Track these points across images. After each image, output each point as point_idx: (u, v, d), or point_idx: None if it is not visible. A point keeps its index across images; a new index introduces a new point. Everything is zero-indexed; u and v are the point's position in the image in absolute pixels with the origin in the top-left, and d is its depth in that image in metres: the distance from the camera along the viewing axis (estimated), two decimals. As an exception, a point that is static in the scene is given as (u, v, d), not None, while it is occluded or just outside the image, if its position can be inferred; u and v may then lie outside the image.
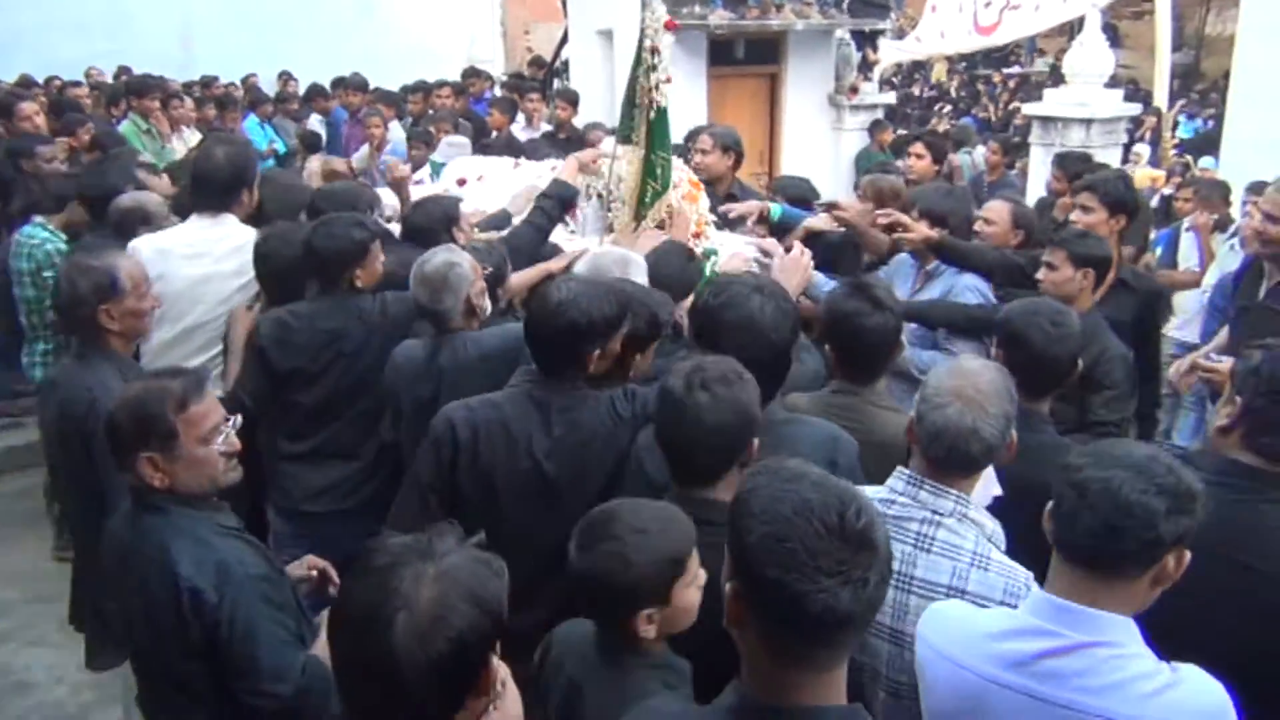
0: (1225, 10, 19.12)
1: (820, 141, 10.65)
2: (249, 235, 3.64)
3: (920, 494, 2.12)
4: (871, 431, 2.62)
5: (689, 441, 2.12)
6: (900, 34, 13.42)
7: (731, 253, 4.10)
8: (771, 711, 1.39)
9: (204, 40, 14.19)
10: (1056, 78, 8.87)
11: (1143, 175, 9.41)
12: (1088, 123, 8.05)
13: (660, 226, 4.08)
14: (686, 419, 2.09)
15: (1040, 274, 3.55)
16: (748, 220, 4.62)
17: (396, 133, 8.29)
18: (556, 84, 11.84)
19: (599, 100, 9.85)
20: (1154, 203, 7.97)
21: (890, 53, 11.63)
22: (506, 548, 1.54)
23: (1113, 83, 8.62)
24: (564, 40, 12.70)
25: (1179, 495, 1.64)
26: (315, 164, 6.64)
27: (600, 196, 4.41)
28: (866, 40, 10.96)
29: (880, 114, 10.90)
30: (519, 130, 8.60)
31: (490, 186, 4.96)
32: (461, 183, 5.08)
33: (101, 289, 2.94)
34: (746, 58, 10.33)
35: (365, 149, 8.18)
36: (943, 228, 4.08)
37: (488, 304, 3.25)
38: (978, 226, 4.18)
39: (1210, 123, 14.90)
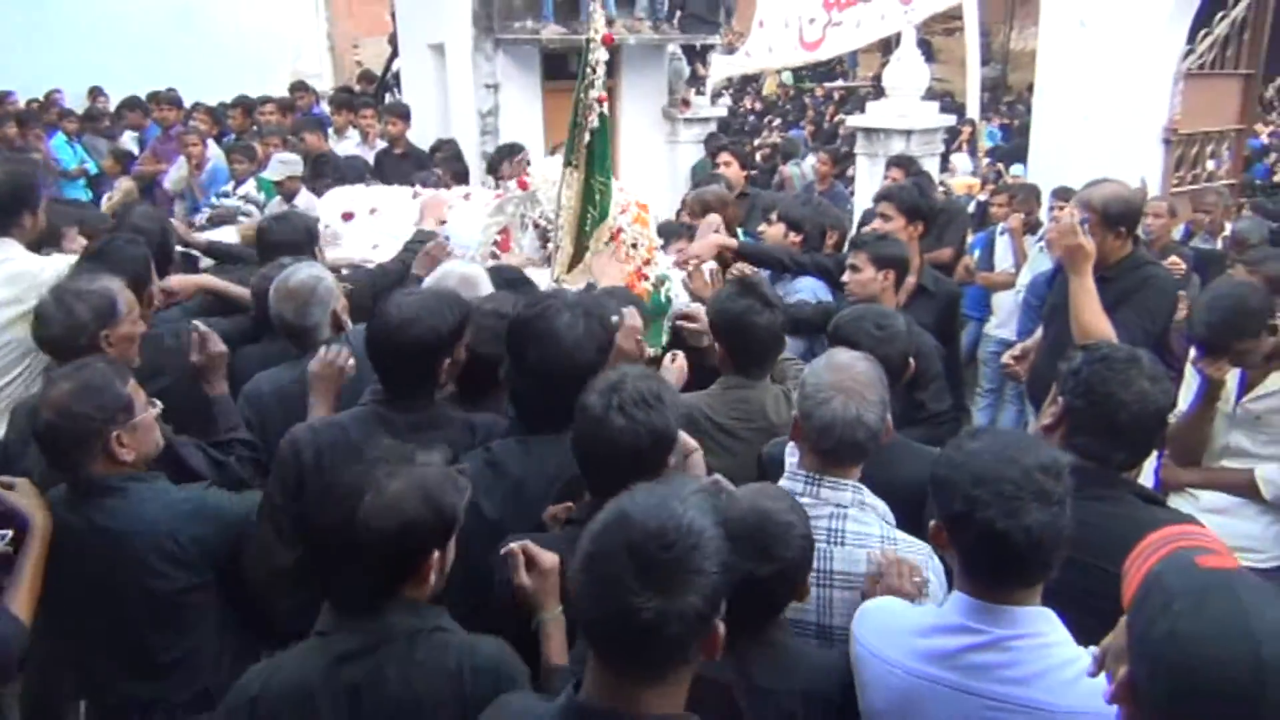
0: (1026, 28, 20.41)
1: (656, 154, 10.79)
2: (31, 262, 3.29)
3: (821, 491, 2.21)
4: (770, 421, 2.89)
5: (603, 459, 2.11)
6: (731, 49, 13.74)
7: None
8: (609, 715, 1.43)
9: (2, 53, 13.25)
10: (878, 91, 9.24)
11: (960, 183, 9.90)
12: (908, 133, 8.43)
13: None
14: (601, 439, 2.09)
15: (845, 276, 3.76)
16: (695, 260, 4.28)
17: (216, 151, 7.92)
18: (388, 98, 11.59)
19: (431, 116, 9.69)
20: (971, 209, 8.39)
21: (721, 67, 11.87)
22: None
23: (929, 95, 9.05)
24: (394, 54, 12.45)
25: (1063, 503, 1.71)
26: (126, 184, 6.28)
27: (537, 226, 4.05)
28: (698, 55, 11.17)
29: (713, 127, 11.12)
30: (354, 147, 8.36)
31: (386, 220, 4.46)
32: (348, 217, 4.53)
33: (102, 313, 2.74)
34: (580, 73, 10.35)
35: (179, 168, 7.77)
36: (799, 233, 4.54)
37: (349, 322, 3.14)
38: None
39: (1004, 132, 15.87)
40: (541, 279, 3.72)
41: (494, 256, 3.99)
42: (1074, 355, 2.36)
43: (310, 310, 2.98)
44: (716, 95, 12.69)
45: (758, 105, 21.15)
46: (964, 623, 1.75)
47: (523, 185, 4.05)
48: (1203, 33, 7.30)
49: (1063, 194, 5.56)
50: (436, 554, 1.82)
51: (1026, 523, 1.66)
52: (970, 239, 6.82)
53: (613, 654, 1.42)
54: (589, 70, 3.52)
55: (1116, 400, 2.20)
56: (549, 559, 2.02)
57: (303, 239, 3.67)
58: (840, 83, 22.50)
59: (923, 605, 1.96)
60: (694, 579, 1.38)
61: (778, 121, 18.30)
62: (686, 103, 10.83)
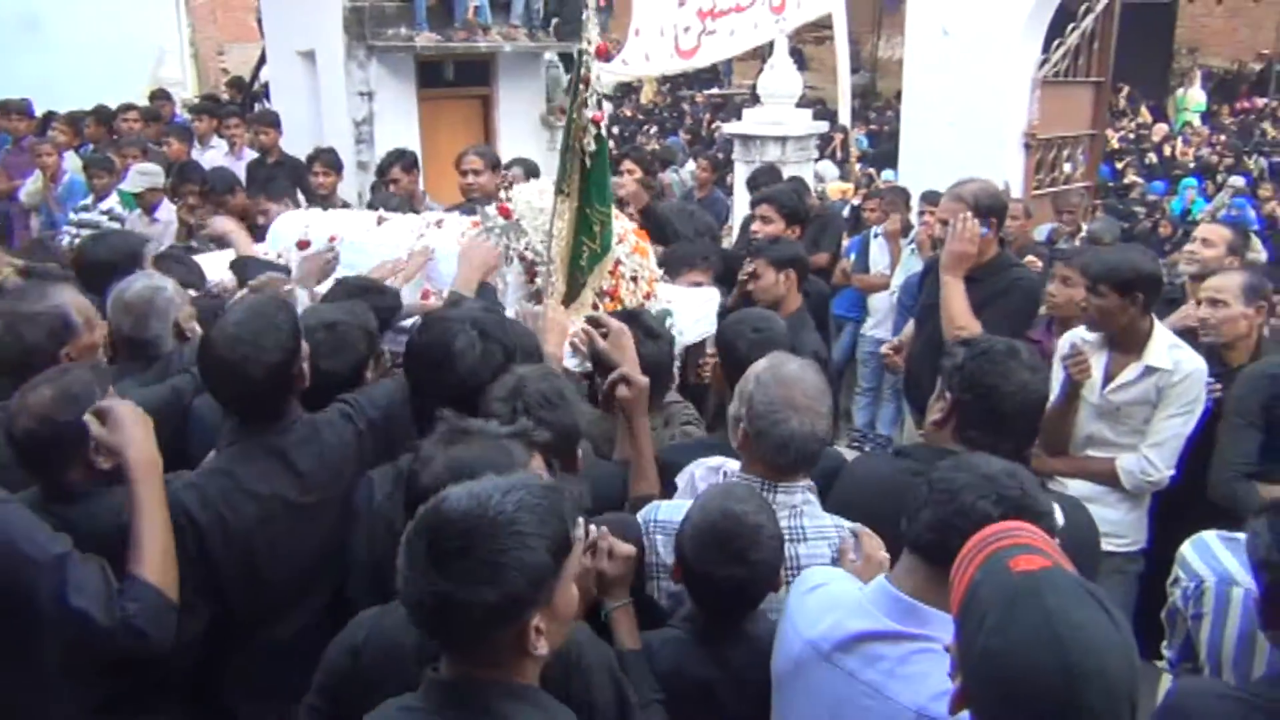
0: (893, 36, 21.06)
1: (538, 160, 10.69)
2: None
3: (776, 496, 2.22)
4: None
5: None
6: (608, 57, 13.79)
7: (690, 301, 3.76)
8: (454, 685, 1.51)
9: None
10: (754, 98, 9.40)
11: (834, 188, 10.13)
12: (783, 140, 8.58)
13: (609, 293, 3.49)
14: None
15: (749, 286, 3.79)
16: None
17: (73, 162, 7.54)
18: (257, 107, 11.24)
19: (303, 124, 9.43)
20: (845, 213, 8.60)
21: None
22: (269, 585, 2.12)
23: (802, 102, 9.24)
24: (262, 61, 12.08)
25: (1020, 508, 1.69)
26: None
27: (523, 258, 3.58)
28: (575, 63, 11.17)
29: (593, 134, 11.13)
30: (221, 157, 8.07)
31: (348, 250, 3.95)
32: (304, 245, 4.09)
33: (57, 332, 2.58)
34: (457, 79, 10.24)
35: (35, 180, 7.38)
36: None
37: (197, 328, 2.98)
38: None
39: (870, 139, 16.36)
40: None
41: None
42: (956, 351, 2.44)
43: (149, 323, 2.86)
44: (596, 103, 12.70)
45: (638, 114, 21.28)
46: (873, 611, 1.78)
47: (505, 213, 3.64)
48: (1056, 42, 7.65)
49: (931, 198, 5.74)
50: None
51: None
52: (845, 243, 6.99)
53: (437, 638, 1.51)
54: (581, 87, 3.16)
55: (1000, 392, 2.30)
56: (627, 549, 2.05)
57: (122, 260, 3.39)
58: (717, 90, 22.81)
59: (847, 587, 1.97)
60: (486, 570, 1.39)
61: (655, 129, 18.44)
62: (564, 111, 10.81)
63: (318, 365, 2.51)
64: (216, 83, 15.67)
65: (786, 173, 7.77)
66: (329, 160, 6.52)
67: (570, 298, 3.41)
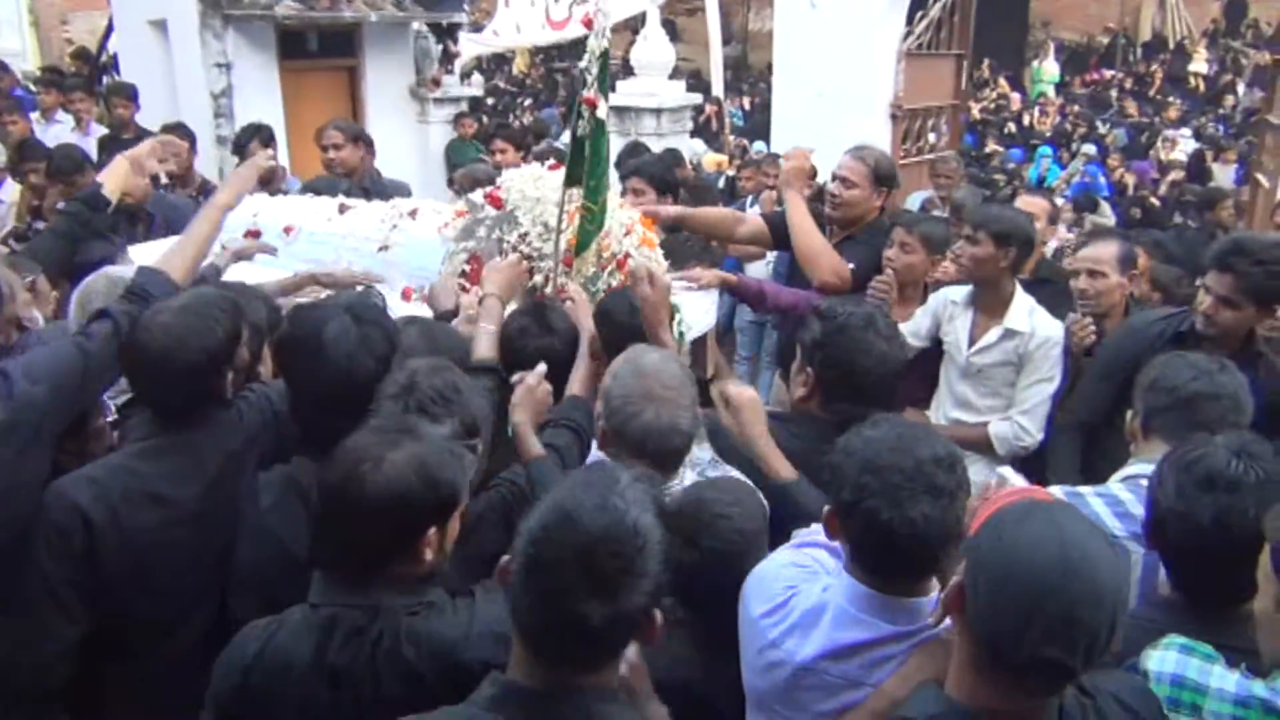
0: (763, 9, 21.27)
1: (407, 135, 10.47)
2: None
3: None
4: None
5: None
6: (478, 27, 13.53)
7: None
8: (545, 695, 1.40)
9: None
10: (627, 70, 9.37)
11: (710, 160, 10.22)
12: (658, 112, 8.60)
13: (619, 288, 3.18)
14: None
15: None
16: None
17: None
18: (106, 80, 10.64)
19: (157, 98, 8.96)
20: (720, 184, 8.68)
21: (469, 46, 11.68)
22: (162, 597, 2.03)
23: (676, 74, 9.27)
24: (109, 31, 11.43)
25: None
26: None
27: (519, 253, 3.28)
28: (445, 33, 10.92)
29: (464, 106, 10.93)
30: (68, 133, 7.60)
31: (306, 242, 3.58)
32: (253, 235, 3.65)
33: None
34: (321, 50, 9.89)
35: None
36: None
37: (38, 315, 2.79)
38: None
39: (744, 111, 16.57)
40: None
41: (463, 290, 3.21)
42: (814, 325, 2.46)
43: None
44: (467, 74, 12.48)
45: (512, 87, 21.00)
46: (857, 615, 1.71)
47: (496, 203, 3.32)
48: (919, 15, 7.85)
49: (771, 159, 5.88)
50: (433, 530, 1.75)
51: (912, 515, 1.62)
52: (722, 213, 7.04)
53: (553, 653, 1.39)
54: (592, 61, 2.87)
55: (860, 366, 2.35)
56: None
57: None
58: (591, 62, 22.67)
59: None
60: (640, 581, 1.36)
61: (529, 101, 18.25)
62: (436, 82, 10.57)
63: None
64: (60, 54, 14.77)
65: (663, 144, 7.79)
66: (180, 135, 6.17)
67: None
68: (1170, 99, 17.49)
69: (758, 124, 13.88)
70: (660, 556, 1.39)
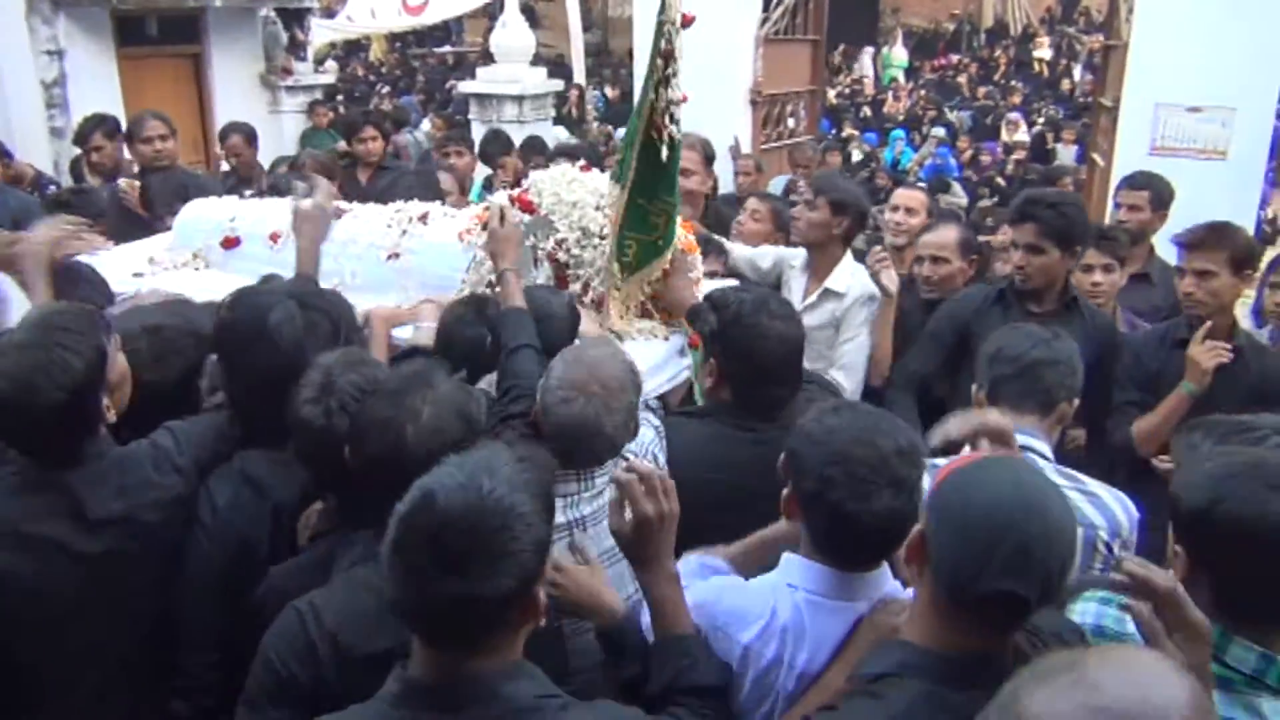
0: (622, -5, 21.34)
1: (259, 124, 10.01)
2: None
3: (569, 486, 2.18)
4: None
5: (339, 470, 1.88)
6: (330, 13, 13.14)
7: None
8: (441, 690, 1.40)
9: None
10: (487, 56, 9.25)
11: (574, 146, 10.18)
12: (519, 99, 8.51)
13: (654, 298, 3.01)
14: (331, 450, 1.88)
15: None
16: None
17: None
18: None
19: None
20: (586, 171, 8.65)
21: (322, 32, 11.33)
22: (50, 651, 1.91)
23: (537, 60, 9.18)
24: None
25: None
26: None
27: (555, 261, 3.03)
28: (294, 19, 10.55)
29: (319, 94, 10.60)
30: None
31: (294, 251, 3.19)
32: (231, 244, 3.34)
33: None
34: (162, 36, 9.43)
35: None
36: None
37: None
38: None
39: (602, 97, 16.59)
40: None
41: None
42: (709, 316, 2.48)
43: None
44: (320, 61, 12.10)
45: (369, 74, 20.45)
46: (824, 601, 1.72)
47: (528, 207, 3.05)
48: (775, 2, 7.96)
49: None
50: None
51: (876, 508, 1.63)
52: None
53: (432, 637, 1.39)
54: (660, 62, 2.58)
55: (761, 350, 2.36)
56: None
57: None
58: (449, 48, 22.31)
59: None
60: (501, 562, 1.32)
61: (387, 89, 17.82)
62: (287, 70, 10.22)
63: (140, 377, 2.19)
64: None
65: (525, 131, 7.71)
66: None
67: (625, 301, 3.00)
68: (1014, 83, 18.31)
69: (621, 111, 13.89)
70: (532, 538, 1.35)
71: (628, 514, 1.74)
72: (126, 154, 5.31)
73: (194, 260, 3.44)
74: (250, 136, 6.15)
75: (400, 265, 3.15)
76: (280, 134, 10.19)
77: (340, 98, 13.46)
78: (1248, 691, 1.55)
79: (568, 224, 3.01)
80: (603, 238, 2.96)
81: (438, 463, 1.46)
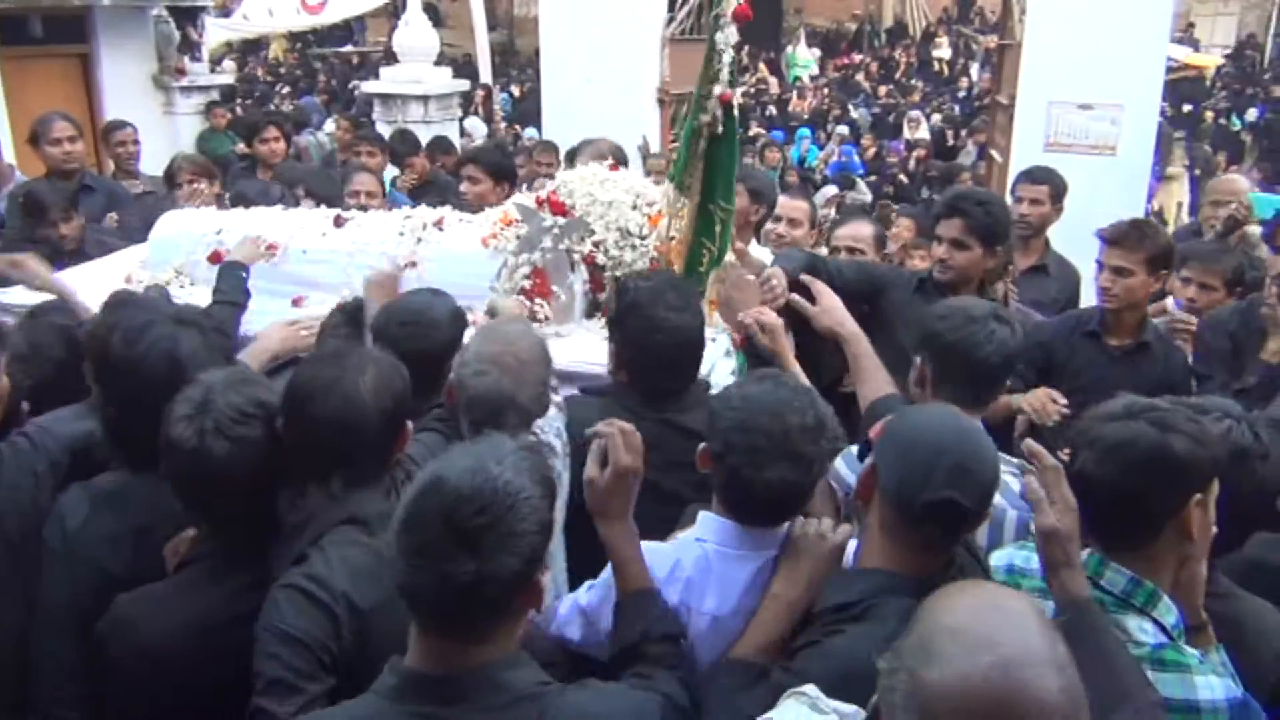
0: (527, -6, 21.23)
1: (153, 126, 9.73)
2: None
3: None
4: None
5: (215, 494, 1.82)
6: (226, 11, 12.79)
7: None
8: (441, 681, 1.42)
9: None
10: (391, 57, 9.10)
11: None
12: (424, 99, 8.39)
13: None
14: (207, 473, 1.78)
15: None
16: None
17: None
18: None
19: None
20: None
21: (217, 31, 11.02)
22: None
23: (442, 60, 9.07)
24: None
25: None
26: None
27: (590, 263, 2.95)
28: (186, 18, 10.23)
29: (216, 95, 10.31)
30: None
31: (297, 262, 3.14)
32: (217, 259, 3.14)
33: None
34: (47, 36, 9.05)
35: None
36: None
37: None
38: None
39: (508, 96, 16.50)
40: (590, 340, 2.80)
41: (532, 317, 2.86)
42: (612, 299, 2.51)
43: None
44: (217, 61, 11.77)
45: (268, 74, 19.95)
46: (732, 551, 1.85)
47: (559, 209, 2.96)
48: (680, 1, 8.00)
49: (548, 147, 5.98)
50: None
51: (768, 477, 1.76)
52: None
53: (433, 619, 1.41)
54: (715, 56, 2.54)
55: (651, 341, 2.38)
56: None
57: None
58: (351, 47, 21.92)
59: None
60: (510, 541, 1.36)
61: (287, 89, 17.41)
62: (181, 70, 9.90)
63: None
64: None
65: (431, 132, 7.61)
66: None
67: None
68: (914, 82, 18.74)
69: (528, 110, 13.81)
70: (537, 520, 1.40)
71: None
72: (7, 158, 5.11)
73: (177, 278, 3.24)
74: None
75: (418, 275, 2.98)
76: (176, 136, 9.87)
77: (239, 99, 13.11)
78: (1115, 611, 1.69)
79: (604, 225, 2.96)
80: (643, 238, 2.94)
81: (390, 423, 1.80)
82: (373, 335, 2.41)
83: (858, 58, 22.05)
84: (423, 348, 2.29)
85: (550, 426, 2.28)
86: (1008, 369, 2.34)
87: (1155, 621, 1.69)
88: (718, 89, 2.62)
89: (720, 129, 2.67)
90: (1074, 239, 4.11)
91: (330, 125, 10.87)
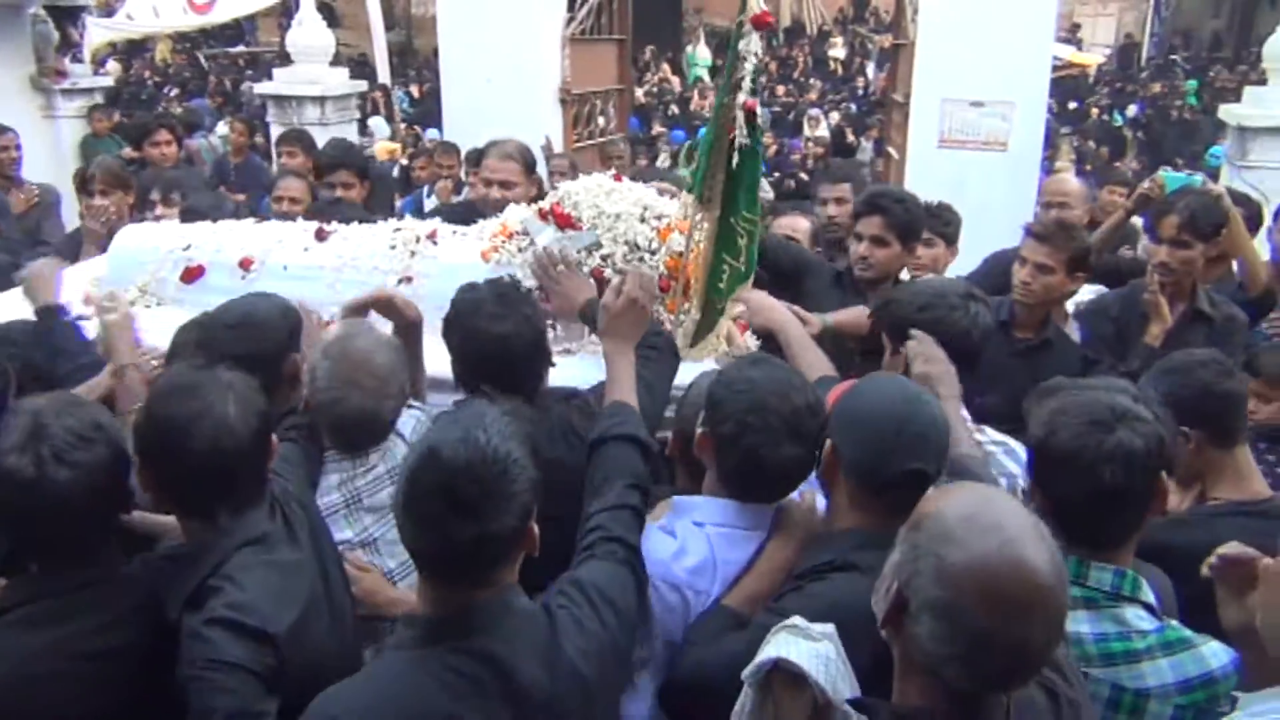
0: (425, -7, 20.94)
1: (31, 130, 9.30)
2: None
3: (343, 465, 2.28)
4: None
5: (52, 524, 1.71)
6: (109, 11, 12.31)
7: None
8: (453, 623, 1.57)
9: None
10: (285, 57, 8.88)
11: (381, 148, 9.92)
12: (321, 100, 8.22)
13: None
14: (42, 504, 1.67)
15: None
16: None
17: None
18: None
19: None
20: (395, 173, 8.44)
21: (98, 31, 10.59)
22: None
23: (338, 60, 8.89)
24: None
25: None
26: None
27: (599, 279, 2.80)
28: (66, 17, 9.81)
29: (99, 98, 9.91)
30: None
31: (276, 278, 2.95)
32: (193, 275, 3.01)
33: None
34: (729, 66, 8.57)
35: None
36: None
37: None
38: None
39: (407, 97, 16.27)
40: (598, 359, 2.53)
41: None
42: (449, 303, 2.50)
43: None
44: (100, 62, 11.32)
45: (155, 75, 19.27)
46: (735, 531, 1.96)
47: (565, 220, 2.83)
48: (580, 1, 7.98)
49: (473, 158, 5.83)
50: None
51: (783, 454, 1.90)
52: (399, 201, 6.86)
53: (442, 575, 1.56)
54: (739, 62, 2.44)
55: (471, 350, 2.29)
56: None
57: None
58: (242, 48, 21.34)
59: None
60: (504, 504, 1.50)
61: (176, 91, 16.85)
62: (61, 72, 9.48)
63: None
64: None
65: (328, 134, 7.44)
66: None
67: (705, 330, 2.78)
68: (812, 80, 19.04)
69: (427, 110, 13.63)
70: (526, 479, 1.53)
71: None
72: None
73: (142, 297, 3.05)
74: None
75: (414, 290, 2.86)
76: (57, 140, 9.46)
77: (125, 101, 12.63)
78: (1110, 605, 1.76)
79: (611, 237, 2.86)
80: (652, 252, 2.85)
81: (261, 441, 1.81)
82: (198, 343, 2.31)
83: (757, 57, 22.31)
84: (254, 350, 2.21)
85: (405, 424, 2.34)
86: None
87: (1144, 605, 1.76)
88: (741, 97, 2.48)
89: (746, 139, 2.52)
90: (969, 231, 4.20)
91: (223, 128, 10.56)
